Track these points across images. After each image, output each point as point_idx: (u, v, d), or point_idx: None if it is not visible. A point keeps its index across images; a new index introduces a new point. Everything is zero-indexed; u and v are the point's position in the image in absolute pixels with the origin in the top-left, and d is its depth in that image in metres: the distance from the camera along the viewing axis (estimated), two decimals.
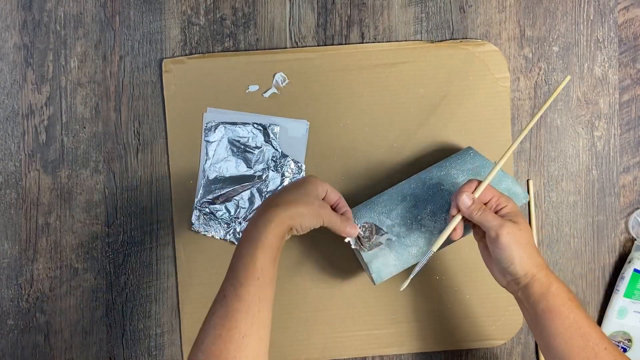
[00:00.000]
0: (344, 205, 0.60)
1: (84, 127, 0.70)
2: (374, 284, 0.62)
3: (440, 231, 0.59)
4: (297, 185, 0.57)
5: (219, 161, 0.69)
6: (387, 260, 0.61)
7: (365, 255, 0.61)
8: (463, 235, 0.59)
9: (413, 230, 0.61)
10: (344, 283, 0.70)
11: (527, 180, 0.71)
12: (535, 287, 0.53)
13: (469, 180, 0.57)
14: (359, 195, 0.69)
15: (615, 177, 0.72)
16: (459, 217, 0.56)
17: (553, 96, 0.58)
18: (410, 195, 0.63)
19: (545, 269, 0.53)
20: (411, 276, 0.58)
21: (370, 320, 0.70)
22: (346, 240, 0.60)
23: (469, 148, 0.66)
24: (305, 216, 0.54)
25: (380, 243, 0.61)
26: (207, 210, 0.69)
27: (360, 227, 0.61)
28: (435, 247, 0.57)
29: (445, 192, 0.62)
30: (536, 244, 0.70)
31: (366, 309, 0.70)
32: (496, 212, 0.55)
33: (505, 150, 0.58)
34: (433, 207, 0.62)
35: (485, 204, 0.56)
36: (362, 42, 0.71)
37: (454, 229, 0.57)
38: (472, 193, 0.56)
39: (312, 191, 0.56)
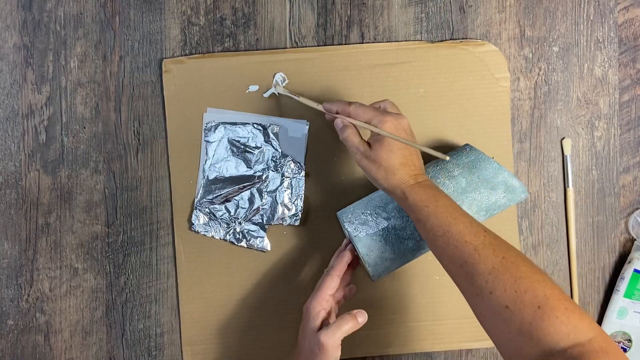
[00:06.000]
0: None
1: (84, 127, 0.70)
2: (372, 281, 0.62)
3: None
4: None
5: (219, 161, 0.69)
6: (384, 254, 0.61)
7: (362, 249, 0.61)
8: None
9: (409, 223, 0.62)
10: None
11: (562, 140, 0.71)
12: (402, 202, 0.56)
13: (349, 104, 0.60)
14: (359, 195, 0.69)
15: (615, 177, 0.72)
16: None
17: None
18: None
19: (405, 182, 0.56)
20: (293, 96, 0.65)
21: (370, 320, 0.70)
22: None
23: (466, 145, 0.67)
24: None
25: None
26: (207, 210, 0.69)
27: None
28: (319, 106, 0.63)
29: (441, 185, 0.62)
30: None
31: (366, 309, 0.70)
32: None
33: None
34: None
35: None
36: (362, 42, 0.71)
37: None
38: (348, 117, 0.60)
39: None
